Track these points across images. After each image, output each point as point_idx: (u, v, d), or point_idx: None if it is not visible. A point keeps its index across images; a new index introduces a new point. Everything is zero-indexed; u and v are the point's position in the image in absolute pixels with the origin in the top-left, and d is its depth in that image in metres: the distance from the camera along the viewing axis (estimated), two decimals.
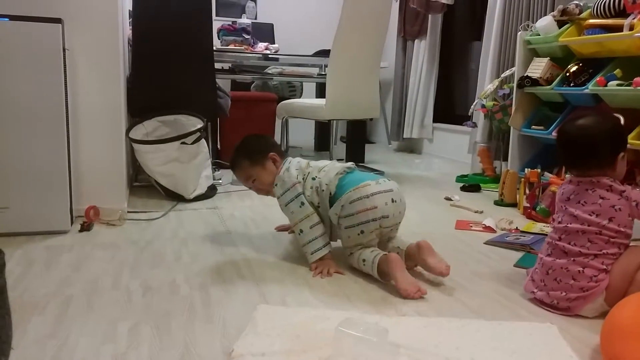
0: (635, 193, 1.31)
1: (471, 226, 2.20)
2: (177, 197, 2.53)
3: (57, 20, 1.87)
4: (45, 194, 1.92)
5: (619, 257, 1.30)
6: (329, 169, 1.68)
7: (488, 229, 2.15)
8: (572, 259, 1.32)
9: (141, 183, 2.82)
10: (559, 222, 1.38)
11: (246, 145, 1.80)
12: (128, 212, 2.24)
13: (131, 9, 2.78)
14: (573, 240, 1.33)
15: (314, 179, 1.67)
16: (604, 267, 1.28)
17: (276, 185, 1.70)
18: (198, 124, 2.67)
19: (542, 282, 1.38)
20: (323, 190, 1.64)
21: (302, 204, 1.63)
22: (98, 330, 1.19)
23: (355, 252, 1.58)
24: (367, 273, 1.54)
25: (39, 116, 1.88)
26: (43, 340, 1.15)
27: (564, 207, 1.39)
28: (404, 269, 1.46)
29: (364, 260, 1.54)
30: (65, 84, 1.91)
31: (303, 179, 1.68)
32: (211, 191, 2.68)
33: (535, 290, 1.39)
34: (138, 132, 2.60)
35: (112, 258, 1.70)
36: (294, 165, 1.71)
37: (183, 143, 2.51)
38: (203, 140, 2.64)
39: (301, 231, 1.63)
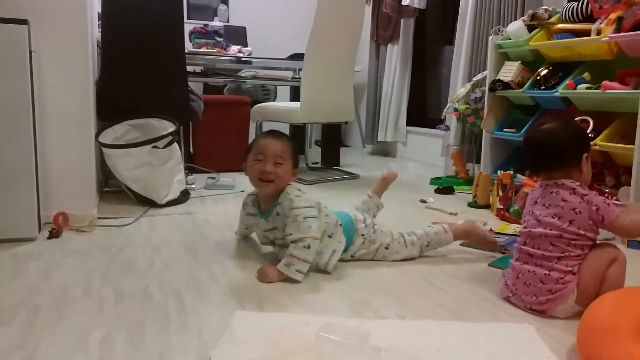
0: (597, 198, 1.33)
1: None
2: (148, 203, 2.48)
3: (23, 22, 1.81)
4: (11, 200, 1.85)
5: (585, 257, 1.32)
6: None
7: None
8: (537, 262, 1.35)
9: (111, 188, 2.76)
10: (525, 227, 1.41)
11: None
12: (98, 218, 2.18)
13: (101, 11, 2.72)
14: (537, 244, 1.36)
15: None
16: (569, 268, 1.31)
17: (297, 196, 1.61)
18: (170, 127, 2.62)
19: (514, 286, 1.40)
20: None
21: (319, 224, 1.58)
22: (68, 340, 1.15)
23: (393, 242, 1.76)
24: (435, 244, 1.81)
25: (4, 120, 1.81)
26: (10, 351, 1.10)
27: (531, 210, 1.41)
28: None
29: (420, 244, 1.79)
30: (32, 87, 1.85)
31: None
32: (184, 196, 2.64)
33: (509, 295, 1.41)
34: (108, 136, 2.54)
35: (83, 265, 1.65)
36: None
37: (154, 147, 2.46)
38: (175, 144, 2.59)
39: (308, 246, 1.53)
